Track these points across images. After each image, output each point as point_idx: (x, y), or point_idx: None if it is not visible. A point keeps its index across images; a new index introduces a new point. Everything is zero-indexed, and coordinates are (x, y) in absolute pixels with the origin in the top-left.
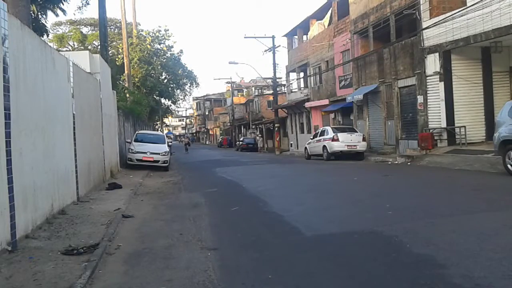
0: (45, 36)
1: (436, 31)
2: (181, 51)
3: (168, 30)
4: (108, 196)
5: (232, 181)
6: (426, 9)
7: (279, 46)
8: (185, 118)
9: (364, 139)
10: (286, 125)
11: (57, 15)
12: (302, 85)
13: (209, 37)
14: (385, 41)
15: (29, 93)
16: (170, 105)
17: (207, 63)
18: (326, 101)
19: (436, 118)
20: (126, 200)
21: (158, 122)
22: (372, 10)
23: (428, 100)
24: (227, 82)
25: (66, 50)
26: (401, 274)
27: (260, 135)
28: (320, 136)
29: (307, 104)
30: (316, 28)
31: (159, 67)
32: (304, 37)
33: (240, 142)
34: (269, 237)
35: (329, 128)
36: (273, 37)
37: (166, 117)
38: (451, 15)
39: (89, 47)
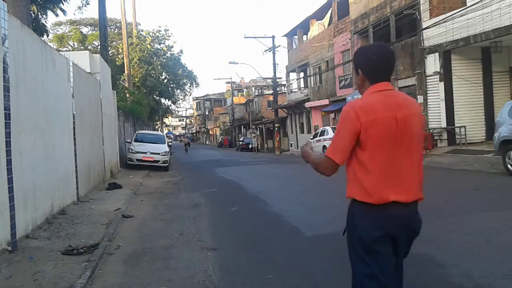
0: (45, 36)
1: (436, 31)
2: (181, 51)
3: (168, 30)
4: (108, 196)
5: (232, 181)
6: (426, 9)
7: (279, 46)
8: (185, 118)
9: None
10: (286, 125)
11: (57, 15)
12: (302, 85)
13: (209, 37)
14: (385, 41)
15: (29, 93)
16: (170, 105)
17: (207, 63)
18: (326, 101)
19: (436, 118)
20: (126, 200)
21: (158, 122)
22: (372, 10)
23: (428, 100)
24: (227, 82)
25: (66, 50)
26: None
27: (255, 136)
28: (320, 136)
29: (307, 104)
30: (316, 28)
31: (159, 67)
32: (304, 37)
33: (240, 142)
34: (269, 237)
35: (329, 128)
36: (273, 37)
37: (166, 117)
38: (451, 15)
39: (89, 47)
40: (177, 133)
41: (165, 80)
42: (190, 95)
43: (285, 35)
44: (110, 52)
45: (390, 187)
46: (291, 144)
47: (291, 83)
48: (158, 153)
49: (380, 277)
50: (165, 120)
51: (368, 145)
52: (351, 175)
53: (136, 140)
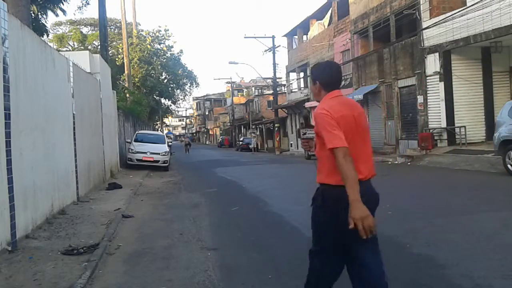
0: (45, 36)
1: (436, 31)
2: (181, 51)
3: (168, 30)
4: (108, 196)
5: (232, 181)
6: (426, 9)
7: (279, 46)
8: (185, 118)
9: None
10: (286, 125)
11: (57, 15)
12: (302, 85)
13: (209, 37)
14: (385, 41)
15: (29, 93)
16: (170, 105)
17: (207, 63)
18: None
19: (436, 118)
20: (126, 200)
21: (158, 122)
22: (372, 10)
23: (428, 100)
24: (227, 82)
25: (66, 50)
26: (401, 274)
27: (255, 136)
28: None
29: (307, 104)
30: (316, 28)
31: (159, 67)
32: (304, 37)
33: (240, 142)
34: (269, 237)
35: None
36: (273, 37)
37: (166, 117)
38: (451, 15)
39: (89, 47)
40: (177, 133)
41: (165, 80)
42: (190, 95)
43: (285, 35)
44: (110, 52)
45: (356, 169)
46: (291, 144)
47: (291, 83)
48: (158, 153)
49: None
50: (165, 120)
51: None
52: (325, 165)
53: (136, 140)
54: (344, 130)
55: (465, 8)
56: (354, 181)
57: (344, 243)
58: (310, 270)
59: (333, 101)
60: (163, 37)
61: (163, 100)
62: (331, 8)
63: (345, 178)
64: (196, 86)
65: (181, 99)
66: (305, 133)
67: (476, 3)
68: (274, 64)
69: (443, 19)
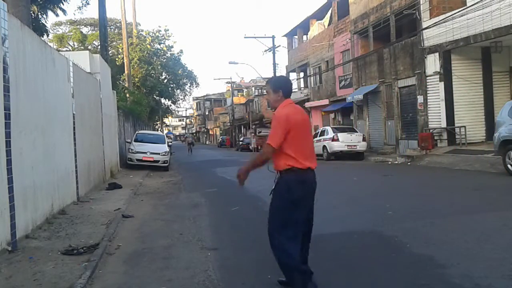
0: (45, 36)
1: (436, 31)
2: (181, 51)
3: (168, 30)
4: (108, 196)
5: (232, 181)
6: (426, 9)
7: (279, 46)
8: (185, 118)
9: (364, 139)
10: None
11: (57, 15)
12: (302, 85)
13: (209, 37)
14: (385, 41)
15: (29, 93)
16: (170, 105)
17: (207, 63)
18: (326, 101)
19: (436, 118)
20: (126, 200)
21: (158, 122)
22: (372, 10)
23: (428, 100)
24: (227, 82)
25: (66, 50)
26: (401, 274)
27: (254, 134)
28: (320, 136)
29: (307, 104)
30: (316, 28)
31: (159, 67)
32: (304, 37)
33: (241, 142)
34: None
35: (329, 128)
36: (273, 37)
37: (166, 117)
38: (451, 15)
39: (89, 47)
40: (177, 133)
41: (165, 80)
42: (190, 95)
43: (285, 35)
44: (110, 52)
45: (306, 159)
46: None
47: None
48: (158, 153)
49: (297, 225)
50: (165, 120)
51: (294, 136)
52: (285, 154)
53: (136, 140)
54: (296, 132)
55: (465, 8)
56: (255, 163)
57: (298, 216)
58: (278, 249)
59: (290, 108)
60: (163, 37)
61: (163, 100)
62: (331, 8)
63: (256, 158)
64: (196, 86)
65: (181, 99)
66: (260, 132)
67: (476, 3)
68: (274, 64)
69: (443, 19)
